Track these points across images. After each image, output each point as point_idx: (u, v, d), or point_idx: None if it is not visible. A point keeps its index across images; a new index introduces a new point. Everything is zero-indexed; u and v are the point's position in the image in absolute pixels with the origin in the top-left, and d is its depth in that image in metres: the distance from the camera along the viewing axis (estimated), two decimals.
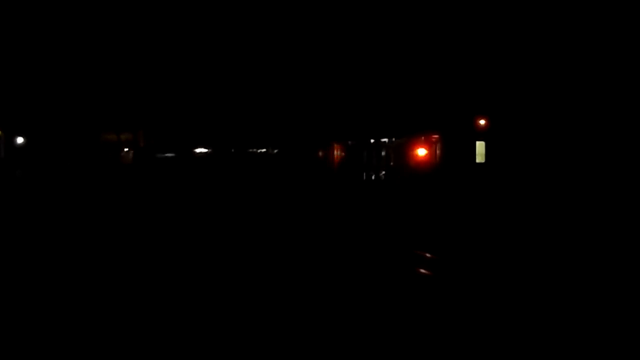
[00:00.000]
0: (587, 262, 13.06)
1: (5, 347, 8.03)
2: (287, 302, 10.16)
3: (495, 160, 23.48)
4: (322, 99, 31.98)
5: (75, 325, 8.81)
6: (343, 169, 32.22)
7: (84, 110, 33.10)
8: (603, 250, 14.08)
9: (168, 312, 9.54)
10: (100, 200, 26.38)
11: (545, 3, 23.66)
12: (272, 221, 21.17)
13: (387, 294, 10.82)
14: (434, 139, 25.39)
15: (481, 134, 24.00)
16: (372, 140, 29.77)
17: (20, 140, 32.78)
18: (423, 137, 25.70)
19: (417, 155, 25.80)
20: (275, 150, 33.52)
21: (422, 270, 13.08)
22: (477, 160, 23.84)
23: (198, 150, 33.78)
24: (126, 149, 34.57)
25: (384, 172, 29.14)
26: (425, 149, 25.59)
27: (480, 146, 23.93)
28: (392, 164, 28.43)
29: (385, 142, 28.96)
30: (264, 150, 33.61)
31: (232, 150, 33.56)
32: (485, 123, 23.90)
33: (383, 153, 29.32)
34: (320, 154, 33.43)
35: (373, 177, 29.99)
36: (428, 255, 14.50)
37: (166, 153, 33.15)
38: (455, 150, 24.28)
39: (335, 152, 32.89)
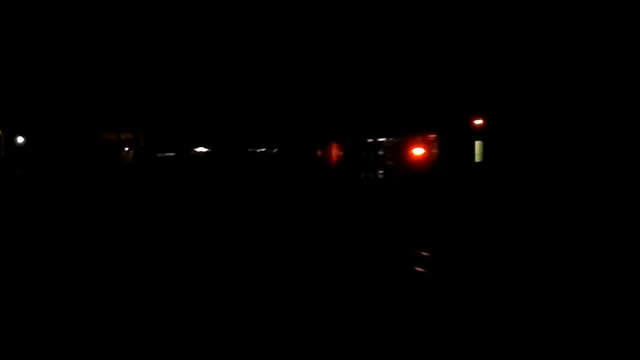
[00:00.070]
0: (584, 261, 13.14)
1: (5, 347, 8.08)
2: (283, 300, 10.28)
3: (492, 160, 23.52)
4: (321, 99, 32.00)
5: (75, 325, 8.89)
6: (341, 168, 32.25)
7: (84, 110, 32.99)
8: (600, 250, 14.12)
9: (168, 312, 9.60)
10: (100, 199, 26.30)
11: (542, 3, 23.73)
12: (271, 220, 21.22)
13: (384, 291, 10.93)
14: (431, 139, 25.50)
15: (478, 134, 24.08)
16: (370, 140, 29.82)
17: (20, 139, 32.71)
18: (420, 137, 25.80)
19: (414, 154, 25.90)
20: (275, 150, 33.58)
21: (419, 269, 13.20)
22: (475, 160, 23.93)
23: (198, 149, 33.78)
24: (126, 149, 34.50)
25: (382, 172, 29.21)
26: (423, 148, 25.69)
27: (477, 146, 24.01)
28: (389, 163, 28.50)
29: (383, 141, 29.04)
30: (263, 149, 33.66)
31: (232, 149, 33.57)
32: (482, 123, 24.00)
33: (381, 152, 29.37)
34: (319, 153, 33.47)
35: (371, 176, 30.04)
36: (425, 253, 14.58)
37: (166, 152, 33.12)
38: (452, 149, 24.36)
39: (334, 152, 32.92)
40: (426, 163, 25.54)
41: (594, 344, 8.19)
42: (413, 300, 10.42)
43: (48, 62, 32.28)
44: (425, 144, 25.79)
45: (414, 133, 26.26)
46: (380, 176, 29.82)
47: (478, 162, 23.87)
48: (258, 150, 33.78)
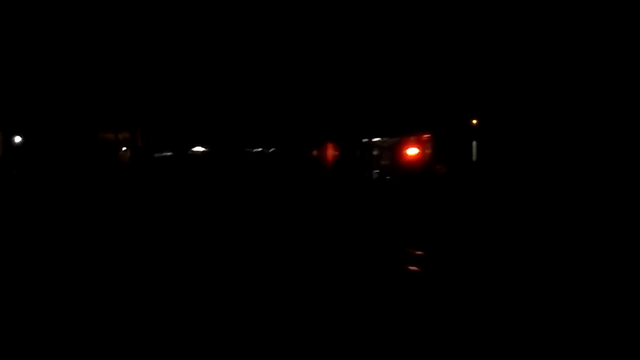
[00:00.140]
0: (579, 261, 13.22)
1: (5, 347, 8.10)
2: (277, 298, 10.39)
3: (486, 160, 23.56)
4: (317, 99, 32.05)
5: (75, 326, 8.92)
6: (337, 167, 32.32)
7: (82, 110, 32.88)
8: (593, 248, 14.23)
9: (167, 312, 9.65)
10: (98, 199, 26.25)
11: (536, 6, 23.84)
12: (268, 219, 21.30)
13: (377, 289, 11.06)
14: (425, 138, 25.60)
15: (473, 134, 24.14)
16: (365, 140, 29.91)
17: (17, 139, 32.62)
18: (415, 137, 25.90)
19: (408, 154, 26.00)
20: (271, 149, 33.70)
21: (413, 267, 13.34)
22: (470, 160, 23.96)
23: (195, 149, 33.84)
24: (124, 148, 34.43)
25: (377, 171, 29.29)
26: (417, 148, 25.80)
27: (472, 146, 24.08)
28: (384, 162, 28.59)
29: (378, 141, 29.13)
30: (260, 149, 33.78)
31: (229, 149, 33.65)
32: (475, 123, 24.12)
33: (376, 152, 29.45)
34: (315, 153, 33.55)
35: (366, 176, 30.11)
36: (418, 252, 14.70)
37: (164, 152, 33.14)
38: (446, 149, 24.44)
39: (330, 151, 33.00)
40: (421, 162, 25.59)
41: (588, 343, 8.24)
42: (404, 298, 10.53)
43: (46, 62, 32.20)
44: (420, 143, 25.86)
45: (409, 133, 26.34)
46: (376, 176, 29.89)
47: (473, 162, 23.92)
48: (254, 150, 33.88)
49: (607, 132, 21.51)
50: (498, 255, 13.91)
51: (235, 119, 33.73)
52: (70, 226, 19.30)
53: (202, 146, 33.74)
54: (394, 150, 27.47)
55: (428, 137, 25.45)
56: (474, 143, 23.85)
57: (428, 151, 25.34)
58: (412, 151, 25.80)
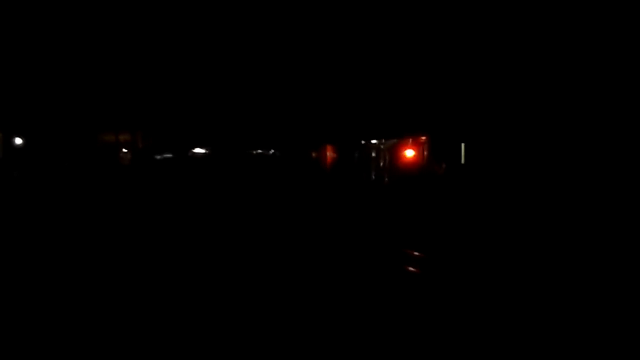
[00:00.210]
0: (575, 261, 13.34)
1: (5, 347, 8.14)
2: (275, 298, 10.52)
3: (474, 162, 23.56)
4: (315, 101, 32.15)
5: (75, 326, 8.97)
6: (335, 169, 32.43)
7: (82, 111, 32.88)
8: (586, 247, 14.38)
9: (167, 312, 9.72)
10: (98, 201, 26.25)
11: (530, 9, 24.02)
12: (267, 220, 21.45)
13: (375, 290, 11.21)
14: (422, 141, 25.74)
15: (465, 136, 24.17)
16: (362, 142, 30.04)
17: (18, 141, 32.61)
18: (411, 139, 26.03)
19: (405, 156, 26.13)
20: (271, 152, 33.87)
21: (410, 268, 13.48)
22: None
23: (195, 150, 33.95)
24: (124, 150, 34.49)
25: (374, 173, 29.42)
26: (414, 150, 25.94)
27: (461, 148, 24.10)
28: (381, 164, 28.72)
29: (375, 143, 29.27)
30: (259, 151, 33.96)
31: (229, 151, 33.78)
32: (469, 125, 24.17)
33: (373, 154, 29.59)
34: (314, 155, 33.71)
35: (364, 177, 30.21)
36: (416, 253, 14.86)
37: (164, 154, 33.19)
38: (440, 151, 24.50)
39: (328, 153, 33.15)
40: (419, 164, 25.70)
41: (583, 343, 8.31)
42: (402, 299, 10.67)
43: (46, 63, 32.17)
44: (418, 145, 25.99)
45: (407, 135, 26.47)
46: (374, 177, 30.00)
47: (463, 164, 23.96)
48: (254, 152, 34.01)
49: (600, 134, 21.64)
50: (495, 256, 14.03)
51: (236, 121, 33.81)
52: (70, 227, 19.32)
53: (203, 148, 33.84)
54: (393, 151, 27.62)
55: (426, 139, 25.58)
56: (462, 145, 23.83)
57: (426, 153, 25.47)
58: (410, 153, 25.92)
